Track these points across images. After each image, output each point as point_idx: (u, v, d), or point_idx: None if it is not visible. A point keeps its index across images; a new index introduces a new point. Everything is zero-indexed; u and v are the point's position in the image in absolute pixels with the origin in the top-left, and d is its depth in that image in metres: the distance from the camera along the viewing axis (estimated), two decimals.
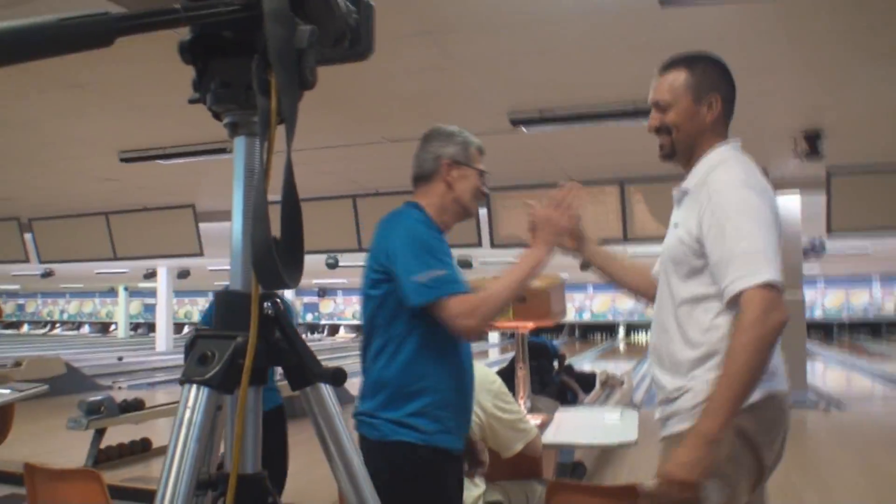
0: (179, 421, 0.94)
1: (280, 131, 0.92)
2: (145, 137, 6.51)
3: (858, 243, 14.77)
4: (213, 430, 1.01)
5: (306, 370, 1.00)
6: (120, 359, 18.77)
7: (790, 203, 9.66)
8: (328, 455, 1.06)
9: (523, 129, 5.81)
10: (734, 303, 1.86)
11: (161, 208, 9.75)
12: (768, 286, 1.81)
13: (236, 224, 1.02)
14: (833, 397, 10.65)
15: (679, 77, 2.08)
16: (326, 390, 1.04)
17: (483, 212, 7.93)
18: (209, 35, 0.98)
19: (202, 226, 9.65)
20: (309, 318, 34.01)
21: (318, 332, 34.06)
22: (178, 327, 31.35)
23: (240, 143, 1.04)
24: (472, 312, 2.11)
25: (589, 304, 28.31)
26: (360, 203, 8.76)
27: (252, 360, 0.93)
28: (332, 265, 16.70)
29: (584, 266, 2.47)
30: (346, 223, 8.88)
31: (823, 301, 27.45)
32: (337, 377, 0.97)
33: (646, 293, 2.37)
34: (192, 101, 1.06)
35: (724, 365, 1.82)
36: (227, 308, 1.00)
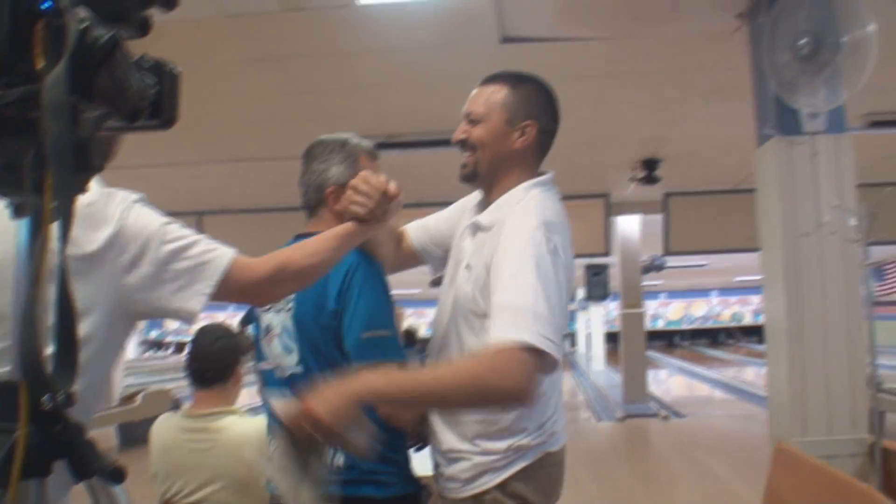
0: None
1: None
2: None
3: (696, 259, 15.68)
4: None
5: (86, 464, 0.97)
6: None
7: (630, 223, 10.11)
8: None
9: None
10: None
11: None
12: (525, 347, 1.51)
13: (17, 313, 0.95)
14: (673, 405, 11.20)
15: (498, 92, 1.83)
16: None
17: None
18: None
19: None
20: (153, 334, 31.12)
21: (163, 350, 30.97)
22: None
23: (25, 225, 0.99)
24: None
25: None
26: (207, 220, 8.53)
27: (24, 457, 0.89)
28: None
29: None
30: None
31: (666, 312, 29.02)
32: (115, 475, 0.95)
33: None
34: None
35: (440, 371, 1.68)
36: (5, 400, 0.95)
